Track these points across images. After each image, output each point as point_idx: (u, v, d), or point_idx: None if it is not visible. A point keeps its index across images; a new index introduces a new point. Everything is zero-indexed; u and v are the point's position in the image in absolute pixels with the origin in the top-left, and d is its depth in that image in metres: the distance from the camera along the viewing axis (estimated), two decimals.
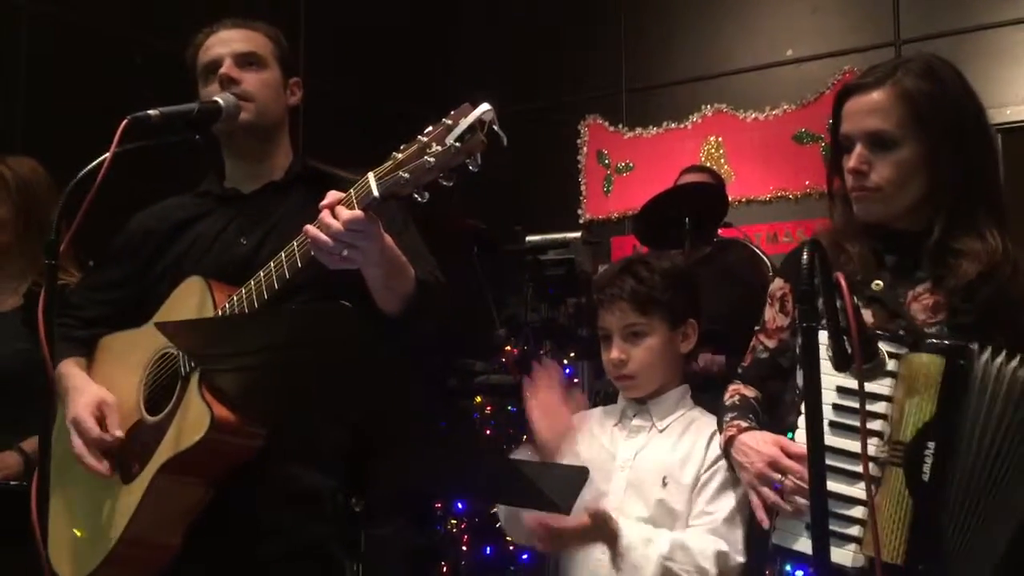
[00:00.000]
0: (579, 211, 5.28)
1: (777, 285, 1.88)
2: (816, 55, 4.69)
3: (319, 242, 1.55)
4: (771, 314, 1.88)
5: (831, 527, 1.56)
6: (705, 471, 1.93)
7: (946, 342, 1.54)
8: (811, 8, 4.72)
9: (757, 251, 3.25)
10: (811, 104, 4.68)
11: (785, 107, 4.74)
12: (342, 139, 2.05)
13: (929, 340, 1.56)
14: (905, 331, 1.62)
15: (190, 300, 1.82)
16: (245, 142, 1.97)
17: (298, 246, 1.64)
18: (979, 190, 1.67)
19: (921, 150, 1.65)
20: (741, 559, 1.87)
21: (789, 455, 1.64)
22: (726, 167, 4.83)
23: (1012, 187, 1.70)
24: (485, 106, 1.46)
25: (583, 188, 5.29)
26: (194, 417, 1.71)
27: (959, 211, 1.65)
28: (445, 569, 4.53)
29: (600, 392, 2.88)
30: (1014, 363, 1.51)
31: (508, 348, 3.83)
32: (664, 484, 1.93)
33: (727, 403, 1.87)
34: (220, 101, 1.89)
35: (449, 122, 1.47)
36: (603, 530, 1.84)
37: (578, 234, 2.75)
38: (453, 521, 4.56)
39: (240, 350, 1.30)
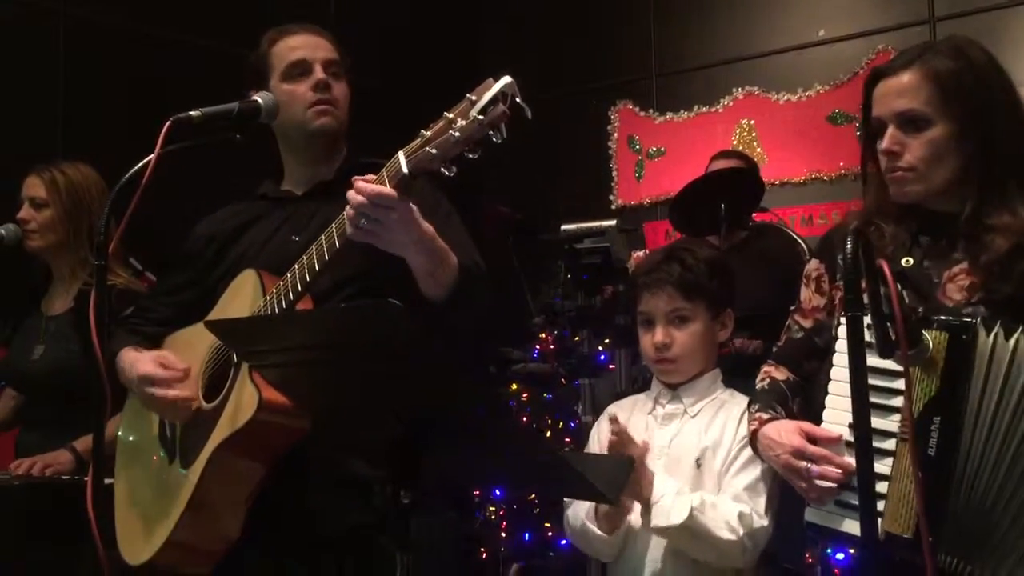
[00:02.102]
0: (611, 197, 5.27)
1: (813, 266, 1.89)
2: (849, 35, 4.65)
3: (348, 215, 1.60)
4: (807, 294, 1.88)
5: (853, 502, 1.59)
6: (730, 449, 1.99)
7: (950, 318, 1.56)
8: None
9: (793, 234, 3.24)
10: (845, 84, 4.63)
11: (818, 88, 4.70)
12: (370, 135, 2.09)
13: (936, 317, 1.57)
14: (924, 311, 1.63)
15: (244, 290, 1.90)
16: (322, 146, 2.03)
17: (336, 228, 1.70)
18: (1010, 166, 1.67)
19: (952, 128, 1.66)
20: (764, 522, 1.93)
21: (813, 440, 1.66)
22: (759, 150, 4.80)
23: None
24: (506, 79, 1.50)
25: (615, 174, 5.28)
26: (245, 399, 1.76)
27: (990, 187, 1.66)
28: (485, 555, 4.58)
29: (638, 379, 2.90)
30: (1017, 334, 1.51)
31: (544, 336, 3.85)
32: (698, 465, 1.97)
33: (756, 387, 1.89)
34: (260, 100, 1.93)
35: (473, 97, 1.52)
36: (639, 482, 1.88)
37: (613, 222, 2.75)
38: (492, 508, 4.61)
39: (283, 347, 1.32)
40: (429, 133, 1.55)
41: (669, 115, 5.13)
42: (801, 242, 3.20)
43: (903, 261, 1.68)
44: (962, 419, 1.53)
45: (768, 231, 3.32)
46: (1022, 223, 1.63)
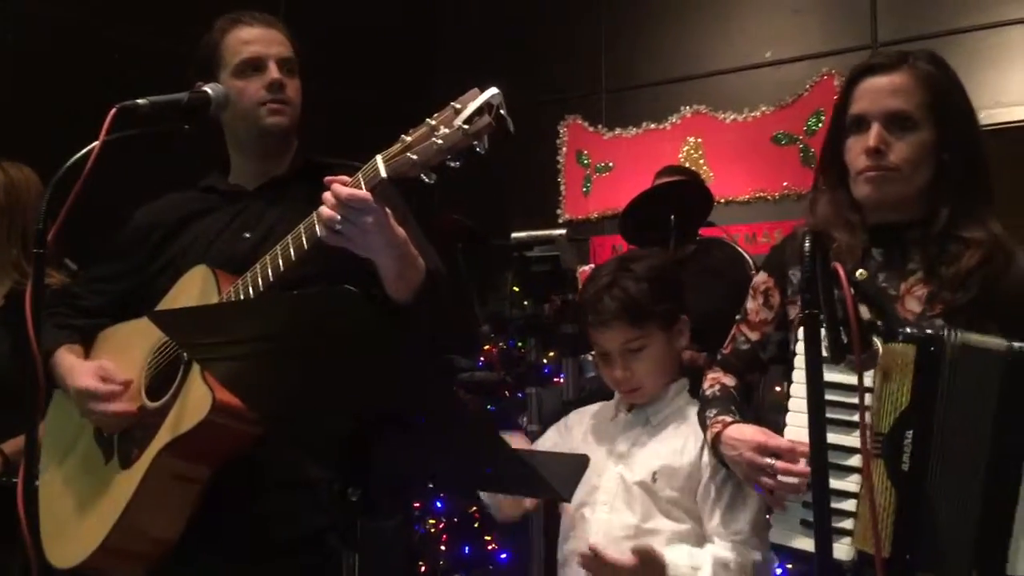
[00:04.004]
0: (558, 211, 5.29)
1: (761, 279, 1.89)
2: (794, 57, 4.74)
3: (322, 216, 1.56)
4: (754, 306, 1.89)
5: None
6: (711, 477, 1.92)
7: (915, 330, 1.56)
8: (790, 10, 4.77)
9: (739, 250, 3.27)
10: (789, 106, 4.72)
11: (763, 109, 4.78)
12: (316, 140, 2.06)
13: (901, 329, 1.57)
14: (882, 323, 1.64)
15: (193, 289, 1.83)
16: (272, 144, 1.98)
17: (304, 229, 1.65)
18: (980, 180, 1.69)
19: (934, 136, 1.67)
20: (776, 564, 1.88)
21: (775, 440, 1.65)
22: (705, 168, 4.86)
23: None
24: (493, 90, 1.49)
25: (562, 188, 5.30)
26: (195, 400, 1.71)
27: (963, 200, 1.67)
28: (424, 568, 4.53)
29: (585, 388, 2.89)
30: (987, 344, 1.52)
31: (488, 348, 3.83)
32: (654, 480, 1.93)
33: (707, 394, 1.88)
34: (210, 92, 1.88)
35: (457, 105, 1.49)
36: (651, 567, 1.82)
37: (563, 231, 2.75)
38: (432, 520, 4.57)
39: (236, 339, 1.28)
40: (410, 139, 1.53)
41: (618, 131, 5.17)
42: (748, 257, 3.23)
43: (857, 273, 1.68)
44: (932, 431, 1.53)
45: (715, 246, 3.35)
46: (991, 237, 1.65)
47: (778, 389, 1.89)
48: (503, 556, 4.67)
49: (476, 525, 4.68)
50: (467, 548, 4.67)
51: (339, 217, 1.56)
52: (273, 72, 1.92)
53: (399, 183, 1.59)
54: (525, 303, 2.92)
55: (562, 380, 2.96)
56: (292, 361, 1.24)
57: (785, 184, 4.69)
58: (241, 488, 1.79)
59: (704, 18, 5.00)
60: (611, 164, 5.18)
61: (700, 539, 1.92)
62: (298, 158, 2.03)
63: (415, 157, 1.51)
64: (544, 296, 2.83)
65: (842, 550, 1.56)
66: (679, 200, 3.04)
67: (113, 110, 1.73)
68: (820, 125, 4.63)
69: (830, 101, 4.73)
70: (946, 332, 1.53)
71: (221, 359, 1.42)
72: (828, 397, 1.58)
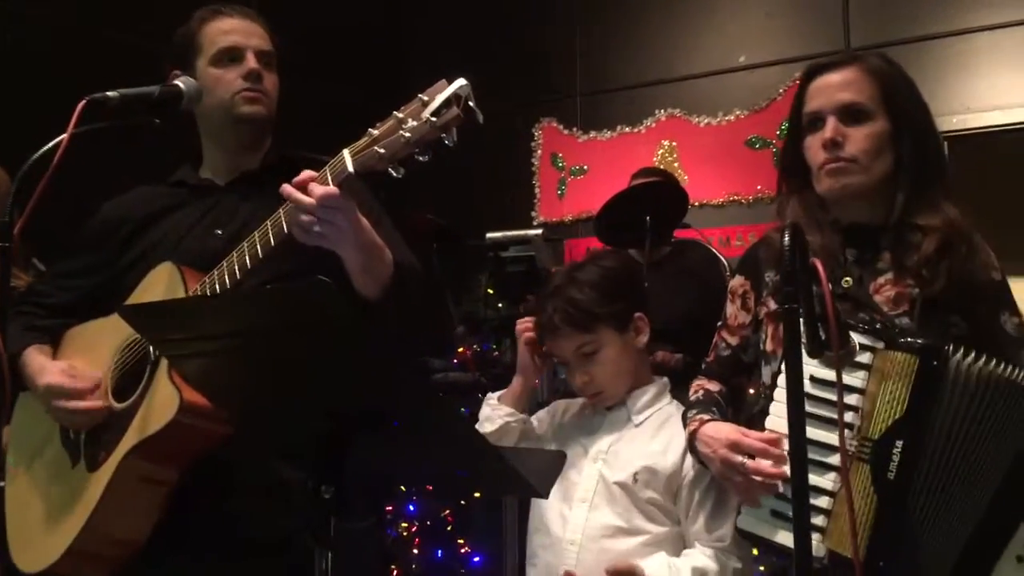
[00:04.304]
0: (533, 213, 5.28)
1: (738, 282, 1.89)
2: (768, 62, 4.76)
3: (292, 217, 1.53)
4: (732, 311, 1.89)
5: (789, 512, 1.58)
6: (695, 483, 1.90)
7: (920, 341, 1.55)
8: (764, 14, 4.79)
9: (714, 252, 3.28)
10: (763, 110, 4.74)
11: (738, 113, 4.80)
12: (288, 137, 2.04)
13: (904, 339, 1.57)
14: (881, 324, 1.64)
15: (159, 286, 1.79)
16: (247, 135, 1.95)
17: (271, 226, 1.62)
18: (935, 170, 1.71)
19: (889, 126, 1.70)
20: (755, 570, 1.88)
21: (750, 437, 1.65)
22: (679, 171, 4.87)
23: (960, 195, 1.75)
24: (461, 81, 1.47)
25: (537, 191, 5.30)
26: (162, 401, 1.67)
27: (918, 189, 1.69)
28: (396, 572, 4.50)
29: (560, 389, 2.88)
30: (981, 363, 1.52)
31: (461, 350, 3.81)
32: (635, 480, 1.92)
33: (691, 399, 1.88)
34: (182, 86, 1.85)
35: (425, 98, 1.47)
36: None
37: (539, 231, 2.74)
38: (404, 524, 4.54)
39: (207, 334, 1.26)
40: (377, 132, 1.50)
41: (593, 134, 5.18)
42: (723, 259, 3.24)
43: (843, 282, 1.69)
44: (925, 445, 1.52)
45: (690, 247, 3.36)
46: (947, 222, 1.67)
47: (751, 392, 1.89)
48: (476, 559, 4.64)
49: (449, 528, 4.67)
50: (440, 552, 4.65)
51: (314, 218, 1.53)
52: (251, 62, 1.89)
53: (367, 177, 1.57)
54: (500, 304, 2.90)
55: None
56: (266, 357, 1.22)
57: (759, 188, 4.71)
58: (210, 489, 1.76)
59: (679, 22, 5.02)
60: (586, 167, 5.18)
61: (678, 542, 1.91)
62: (271, 153, 2.00)
63: (382, 151, 1.48)
64: (519, 296, 2.82)
65: (811, 546, 1.56)
66: (655, 201, 3.04)
67: (82, 102, 1.70)
68: None
69: None
70: (951, 348, 1.53)
71: (192, 355, 1.39)
72: (816, 393, 1.60)
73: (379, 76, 5.08)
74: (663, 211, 3.04)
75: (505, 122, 5.28)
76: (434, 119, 1.44)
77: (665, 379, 2.07)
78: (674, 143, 4.95)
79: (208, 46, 1.90)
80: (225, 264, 1.70)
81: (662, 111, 4.99)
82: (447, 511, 4.70)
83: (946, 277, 1.64)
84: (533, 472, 1.13)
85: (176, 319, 1.28)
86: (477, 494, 4.28)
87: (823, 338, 1.32)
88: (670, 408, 2.02)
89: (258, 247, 1.65)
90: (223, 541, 1.78)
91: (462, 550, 4.69)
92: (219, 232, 1.90)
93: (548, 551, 1.96)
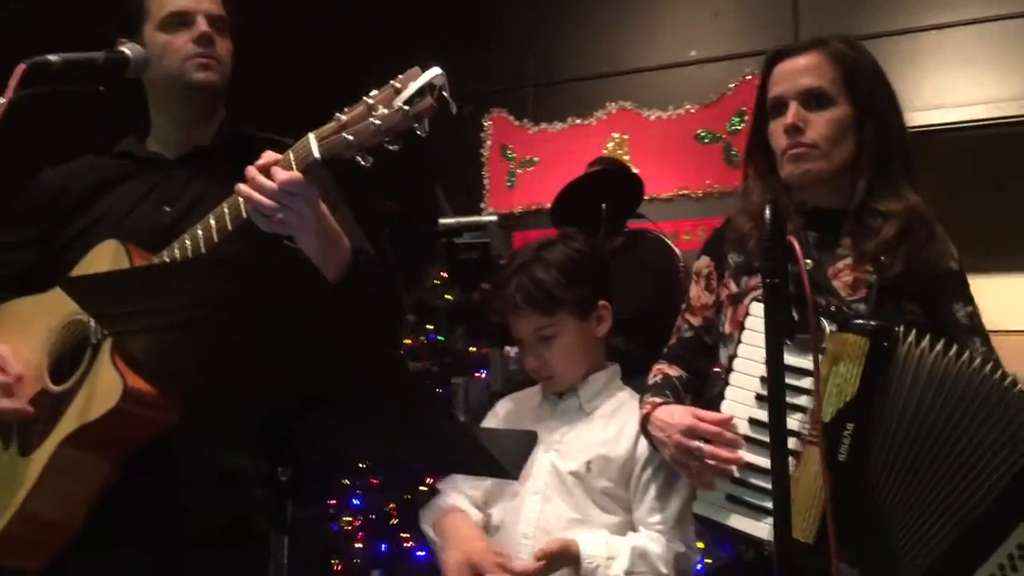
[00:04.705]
0: (482, 204, 5.23)
1: (703, 263, 1.88)
2: (718, 57, 4.78)
3: (253, 201, 1.48)
4: (696, 291, 1.88)
5: (751, 500, 1.57)
6: (644, 467, 1.88)
7: (872, 323, 1.55)
8: (713, 12, 4.81)
9: (669, 243, 3.27)
10: (713, 105, 4.76)
11: (688, 107, 4.81)
12: (242, 111, 1.97)
13: (855, 320, 1.57)
14: (835, 307, 1.63)
15: (103, 265, 1.70)
16: (199, 104, 1.87)
17: (228, 209, 1.56)
18: (898, 156, 1.71)
19: (851, 112, 1.70)
20: (696, 556, 1.86)
21: (704, 421, 1.63)
22: (630, 164, 4.85)
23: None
24: (436, 70, 1.43)
25: (486, 182, 5.25)
26: (104, 386, 1.60)
27: (880, 174, 1.69)
28: (339, 567, 4.43)
29: (511, 379, 2.84)
30: (938, 348, 1.52)
31: (408, 341, 3.75)
32: (588, 469, 1.88)
33: (648, 383, 1.86)
34: (128, 52, 1.77)
35: (398, 85, 1.42)
36: (563, 559, 1.78)
37: (493, 217, 2.69)
38: (347, 518, 4.47)
39: (163, 307, 1.19)
40: (346, 117, 1.45)
41: (543, 125, 5.14)
42: (676, 250, 3.23)
43: (806, 262, 1.68)
44: (876, 427, 1.51)
45: (643, 239, 3.34)
46: (908, 208, 1.67)
47: (716, 370, 1.88)
48: (420, 554, 4.60)
49: (394, 522, 4.61)
50: (383, 546, 4.59)
51: (276, 204, 1.48)
52: (202, 25, 1.81)
53: (333, 164, 1.51)
54: (448, 293, 2.85)
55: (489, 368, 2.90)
56: (225, 333, 1.15)
57: (708, 182, 4.72)
58: (155, 478, 1.68)
59: (630, 15, 5.01)
60: (536, 159, 5.15)
61: (632, 530, 1.89)
62: (224, 128, 1.92)
63: (351, 138, 1.44)
64: (473, 284, 2.77)
65: (765, 529, 1.56)
66: (611, 189, 3.01)
67: (22, 67, 1.61)
68: (743, 125, 4.67)
69: (753, 101, 4.81)
70: (902, 330, 1.53)
71: (143, 332, 1.32)
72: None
73: (332, 59, 4.99)
74: (619, 199, 3.01)
75: (454, 113, 5.20)
76: (407, 108, 1.40)
77: (616, 365, 2.04)
78: (625, 136, 4.94)
79: (156, 10, 1.82)
80: (177, 246, 1.63)
81: (613, 104, 4.98)
82: (391, 505, 4.65)
83: (904, 262, 1.65)
84: (504, 453, 1.09)
85: (128, 290, 1.20)
86: (430, 481, 4.25)
87: (795, 319, 1.31)
88: (622, 395, 2.00)
89: (213, 230, 1.59)
90: (169, 532, 1.71)
91: (406, 544, 4.65)
92: (167, 209, 1.82)
93: (502, 545, 1.93)
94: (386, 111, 1.41)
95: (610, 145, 4.96)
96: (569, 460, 1.91)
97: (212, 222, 1.59)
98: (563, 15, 5.15)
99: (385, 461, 1.74)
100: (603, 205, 2.89)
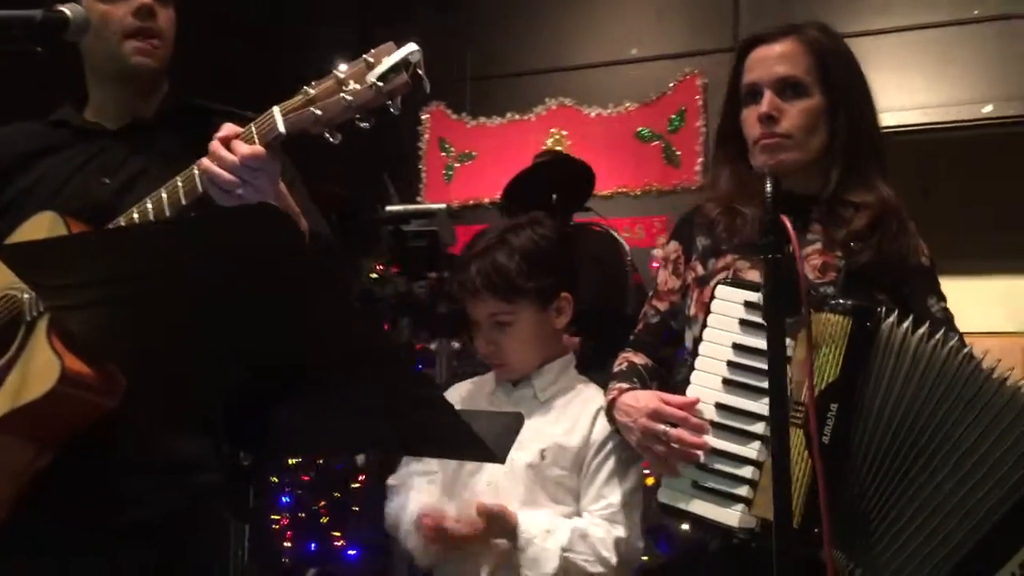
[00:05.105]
0: (418, 199, 5.15)
1: (671, 248, 1.86)
2: (659, 56, 4.79)
3: (212, 174, 1.40)
4: (664, 276, 1.85)
5: (718, 486, 1.55)
6: (595, 454, 1.85)
7: (851, 302, 1.54)
8: (655, 11, 4.81)
9: (616, 236, 3.24)
10: (653, 103, 4.77)
11: (628, 105, 4.80)
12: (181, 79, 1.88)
13: (835, 301, 1.55)
14: (809, 290, 1.62)
15: (38, 236, 1.58)
16: (137, 84, 1.77)
17: (182, 182, 1.48)
18: (870, 147, 1.71)
19: (825, 102, 1.69)
20: (640, 544, 1.82)
21: (670, 404, 1.60)
22: None
23: None
24: (412, 46, 1.39)
25: (423, 175, 5.17)
26: (40, 367, 1.50)
27: (853, 165, 1.69)
28: (264, 566, 4.32)
29: (458, 374, 2.77)
30: (921, 331, 1.51)
31: None
32: (543, 457, 1.84)
33: (614, 371, 1.82)
34: (68, 12, 1.65)
35: (370, 59, 1.37)
36: (500, 525, 1.74)
37: (443, 205, 2.62)
38: (275, 516, 4.37)
39: (112, 276, 1.09)
40: (314, 91, 1.39)
41: (482, 120, 5.09)
42: (623, 243, 3.21)
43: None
44: (859, 408, 1.49)
45: (587, 233, 3.31)
46: (880, 200, 1.67)
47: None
48: (352, 553, 4.50)
49: (324, 521, 4.51)
50: (313, 545, 4.49)
51: (237, 179, 1.41)
52: None
53: (299, 140, 1.45)
54: (392, 282, 2.78)
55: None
56: (181, 303, 1.06)
57: (647, 180, 4.72)
58: (93, 467, 1.59)
59: (570, 10, 4.99)
60: (474, 153, 5.09)
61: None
62: (170, 99, 1.83)
63: (319, 113, 1.38)
64: (420, 273, 2.70)
65: (734, 516, 1.53)
66: (561, 179, 2.97)
67: None
68: (683, 124, 4.70)
69: (692, 100, 4.85)
70: (884, 310, 1.51)
71: (88, 305, 1.22)
72: (739, 360, 1.58)
73: (260, 51, 4.85)
74: (570, 189, 2.97)
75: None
76: (380, 84, 1.35)
77: (570, 354, 2.00)
78: (564, 132, 4.91)
79: None
80: (123, 220, 1.55)
81: (553, 100, 4.95)
82: (322, 503, 4.55)
83: (875, 252, 1.65)
84: (490, 435, 1.03)
85: (77, 258, 1.10)
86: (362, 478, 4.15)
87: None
88: (578, 385, 1.96)
89: (165, 204, 1.50)
90: (107, 523, 1.61)
91: (337, 543, 4.55)
92: (107, 181, 1.72)
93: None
94: (358, 86, 1.36)
95: (549, 141, 4.93)
96: (523, 450, 1.86)
97: (164, 195, 1.51)
98: (502, 9, 5.10)
99: (362, 447, 1.65)
100: (554, 196, 2.84)
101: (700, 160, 4.63)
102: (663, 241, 4.64)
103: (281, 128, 1.40)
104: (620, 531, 1.80)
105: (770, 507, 1.46)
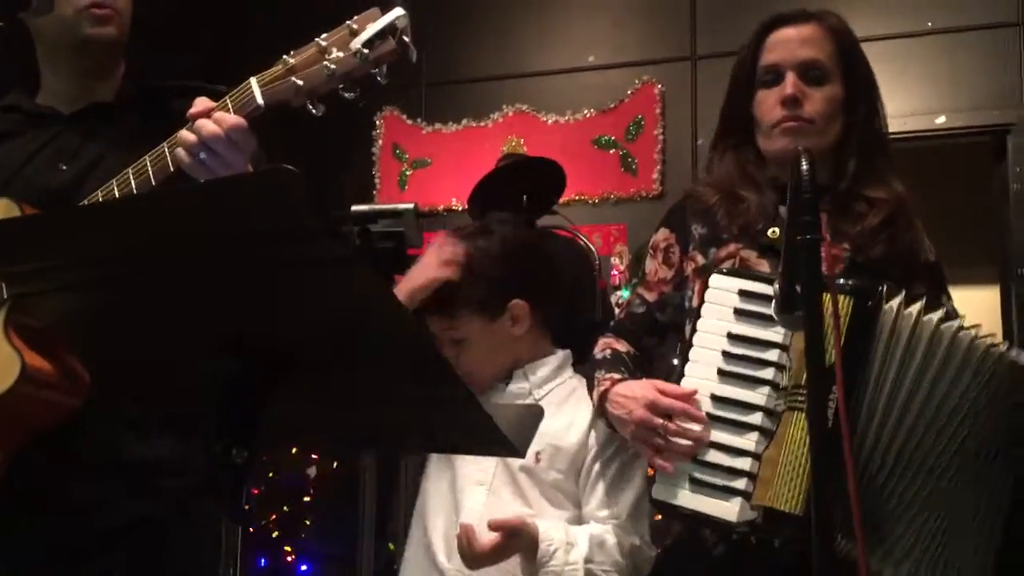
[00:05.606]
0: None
1: (662, 236, 1.80)
2: (617, 64, 4.78)
3: (190, 147, 1.34)
4: (653, 265, 1.79)
5: (715, 480, 1.50)
6: (596, 457, 1.78)
7: (852, 282, 1.51)
8: (612, 19, 4.81)
9: (582, 239, 3.20)
10: (611, 111, 4.75)
11: (586, 112, 4.78)
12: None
13: (836, 280, 1.51)
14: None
15: None
16: (95, 60, 1.68)
17: (152, 162, 1.41)
18: (884, 142, 1.69)
19: (844, 92, 1.66)
20: (653, 551, 1.77)
21: (668, 395, 1.55)
22: None
23: None
24: (399, 11, 1.35)
25: (377, 181, 5.08)
26: None
27: (867, 159, 1.66)
28: None
29: None
30: (918, 306, 1.49)
31: None
32: (538, 460, 1.77)
33: (597, 357, 1.75)
34: None
35: (354, 26, 1.33)
36: (519, 537, 1.67)
37: (411, 205, 2.53)
38: None
39: (87, 259, 1.00)
40: (294, 60, 1.34)
41: (438, 126, 5.02)
42: (594, 251, 3.16)
43: (769, 233, 1.62)
44: (863, 391, 1.46)
45: (552, 239, 3.25)
46: (896, 197, 1.65)
47: (675, 362, 1.79)
48: (304, 568, 4.39)
49: (275, 535, 4.39)
50: (263, 560, 4.37)
51: (213, 152, 1.35)
52: None
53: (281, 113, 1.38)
54: None
55: None
56: (176, 282, 0.98)
57: (605, 188, 4.70)
58: (53, 470, 1.50)
59: (527, 17, 4.96)
60: (429, 160, 5.02)
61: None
62: (128, 82, 1.75)
63: (300, 83, 1.33)
64: (386, 275, 2.60)
65: (732, 511, 1.48)
66: (533, 179, 2.92)
67: None
68: (640, 132, 4.69)
69: (650, 109, 4.84)
70: (885, 289, 1.48)
71: (57, 291, 1.12)
72: (733, 350, 1.53)
73: (215, 53, 4.74)
74: (541, 190, 2.92)
75: (344, 108, 5.02)
76: (366, 51, 1.30)
77: (567, 351, 1.93)
78: (521, 140, 4.87)
79: None
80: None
81: (510, 106, 4.91)
82: (272, 516, 4.43)
83: (886, 246, 1.62)
84: (510, 428, 0.96)
85: (50, 237, 1.01)
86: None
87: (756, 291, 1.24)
88: (572, 382, 1.89)
89: (134, 186, 1.43)
90: (71, 532, 1.51)
91: (288, 558, 4.43)
92: (64, 167, 1.64)
93: (426, 533, 1.80)
94: (341, 54, 1.31)
95: (506, 148, 4.88)
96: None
97: (132, 176, 1.44)
98: (459, 15, 5.05)
99: (365, 443, 1.57)
100: (524, 197, 2.78)
101: (658, 168, 4.63)
102: (620, 249, 4.63)
103: (259, 100, 1.34)
104: (633, 539, 1.75)
105: (771, 498, 1.42)
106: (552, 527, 1.70)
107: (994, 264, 4.33)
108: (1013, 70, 4.09)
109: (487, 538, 1.64)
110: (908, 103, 4.21)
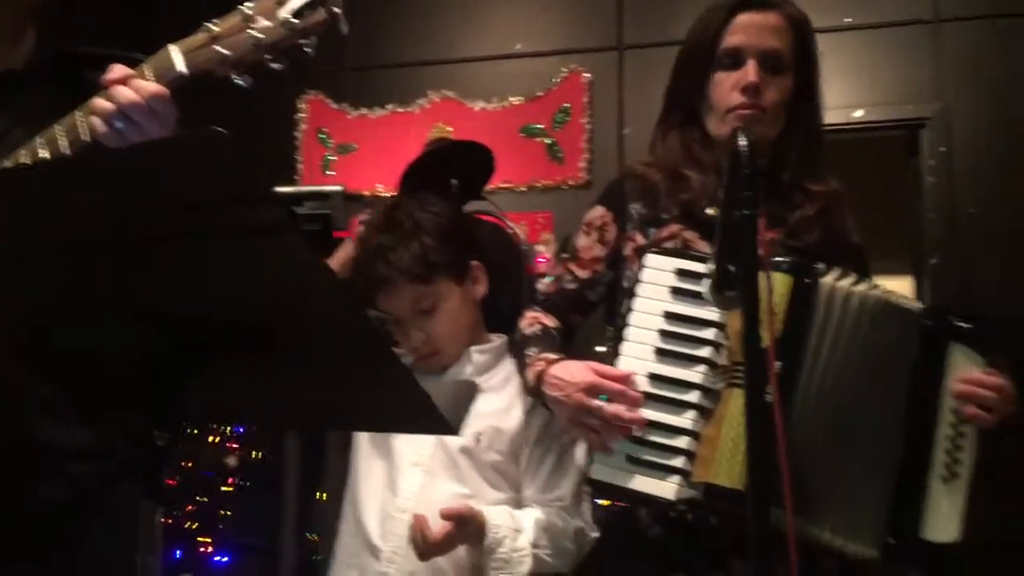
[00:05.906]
0: None
1: (598, 213, 1.79)
2: (545, 51, 4.77)
3: (108, 115, 1.29)
4: (586, 243, 1.78)
5: (653, 459, 1.51)
6: (536, 442, 1.78)
7: (789, 260, 1.53)
8: (540, 7, 4.80)
9: (510, 225, 3.18)
10: (538, 99, 4.74)
11: (513, 100, 4.76)
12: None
13: (776, 259, 1.53)
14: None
15: None
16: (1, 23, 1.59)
17: (64, 132, 1.35)
18: (822, 136, 1.71)
19: (794, 84, 1.67)
20: (595, 533, 1.76)
21: (605, 377, 1.54)
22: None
23: None
24: None
25: (300, 166, 4.99)
26: None
27: (808, 154, 1.67)
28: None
29: None
30: (850, 280, 1.52)
31: None
32: (478, 441, 1.76)
33: (527, 332, 1.74)
34: None
35: None
36: (469, 527, 1.67)
37: (339, 187, 2.48)
38: None
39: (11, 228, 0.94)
40: (218, 28, 1.31)
41: (363, 111, 4.95)
42: (518, 231, 3.14)
43: (708, 211, 1.63)
44: (801, 366, 1.47)
45: (482, 223, 3.22)
46: (832, 191, 1.68)
47: (600, 349, 1.79)
48: (223, 560, 4.29)
49: (192, 526, 4.28)
50: (178, 552, 4.26)
51: (132, 122, 1.30)
52: None
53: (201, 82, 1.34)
54: None
55: None
56: (90, 253, 0.93)
57: (531, 176, 4.69)
58: None
59: (454, 2, 4.92)
60: (354, 145, 4.94)
61: (519, 508, 1.78)
62: (40, 49, 1.66)
63: (226, 52, 1.30)
64: None
65: (670, 489, 1.49)
66: (462, 163, 2.89)
67: None
68: (567, 120, 4.69)
69: (578, 97, 4.84)
70: (823, 266, 1.51)
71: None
72: (671, 328, 1.54)
73: (125, 27, 4.57)
74: (469, 175, 2.89)
75: (267, 91, 4.91)
76: (295, 21, 1.28)
77: (505, 337, 1.93)
78: (448, 128, 4.83)
79: None
80: None
81: (436, 92, 4.86)
82: (188, 508, 4.32)
83: (820, 234, 1.64)
84: (445, 404, 0.94)
85: None
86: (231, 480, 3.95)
87: (696, 271, 1.24)
88: (511, 366, 1.88)
89: (43, 155, 1.36)
90: None
91: (202, 549, 4.33)
92: None
93: (359, 517, 1.77)
94: (268, 23, 1.28)
95: (432, 135, 4.84)
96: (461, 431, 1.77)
97: (41, 145, 1.36)
98: None
99: (291, 421, 1.52)
100: (454, 181, 2.75)
101: (585, 157, 4.64)
102: (547, 237, 4.63)
103: (181, 68, 1.30)
104: (577, 522, 1.76)
105: (712, 474, 1.43)
106: (497, 513, 1.70)
107: (907, 255, 4.45)
108: (927, 66, 4.21)
109: (439, 527, 1.62)
110: (827, 97, 4.27)
